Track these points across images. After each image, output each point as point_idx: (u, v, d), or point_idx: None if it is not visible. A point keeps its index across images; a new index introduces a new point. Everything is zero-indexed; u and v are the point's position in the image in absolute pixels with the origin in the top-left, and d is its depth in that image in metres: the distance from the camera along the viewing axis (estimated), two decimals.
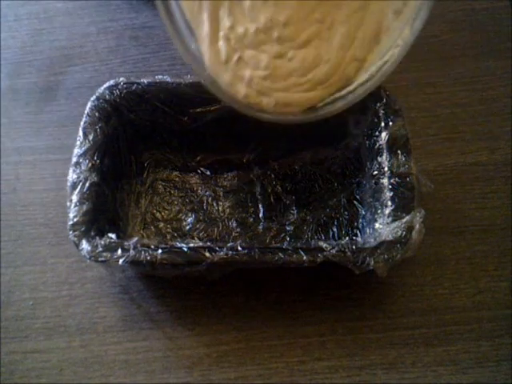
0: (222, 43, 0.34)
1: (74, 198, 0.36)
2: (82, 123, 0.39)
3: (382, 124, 0.38)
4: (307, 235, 0.40)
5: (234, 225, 0.41)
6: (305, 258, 0.33)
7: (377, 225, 0.36)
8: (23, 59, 0.51)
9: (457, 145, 0.45)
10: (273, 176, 0.43)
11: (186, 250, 0.34)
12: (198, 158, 0.44)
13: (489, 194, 0.42)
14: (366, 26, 0.33)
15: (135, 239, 0.34)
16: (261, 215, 0.42)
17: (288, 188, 0.43)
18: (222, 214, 0.42)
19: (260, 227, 0.41)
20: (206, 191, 0.43)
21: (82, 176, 0.37)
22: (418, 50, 0.49)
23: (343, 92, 0.35)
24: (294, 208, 0.42)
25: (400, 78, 0.47)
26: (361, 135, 0.41)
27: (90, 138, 0.38)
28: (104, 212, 0.37)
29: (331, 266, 0.34)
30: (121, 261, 0.34)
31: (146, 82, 0.40)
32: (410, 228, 0.34)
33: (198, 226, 0.41)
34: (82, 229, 0.35)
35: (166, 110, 0.41)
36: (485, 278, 0.39)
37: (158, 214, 0.42)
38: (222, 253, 0.34)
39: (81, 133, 0.38)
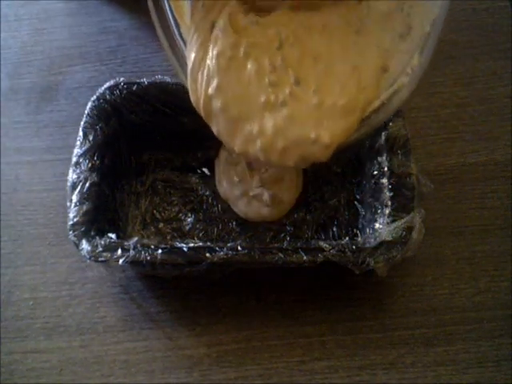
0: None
1: (74, 197, 0.36)
2: (82, 123, 0.39)
3: (382, 124, 0.38)
4: (307, 235, 0.40)
5: (234, 225, 0.41)
6: (305, 258, 0.33)
7: (377, 225, 0.36)
8: (23, 59, 0.51)
9: (457, 145, 0.44)
10: None
11: (185, 249, 0.34)
12: (198, 158, 0.44)
13: (489, 194, 0.42)
14: (367, 71, 0.29)
15: (135, 239, 0.34)
16: None
17: None
18: (221, 214, 0.42)
19: (260, 227, 0.41)
20: (205, 191, 0.43)
21: (82, 176, 0.37)
22: None
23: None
24: (294, 208, 0.42)
25: None
26: None
27: (90, 138, 0.38)
28: (104, 212, 0.37)
29: (331, 266, 0.34)
30: (121, 261, 0.34)
31: (146, 82, 0.40)
32: (409, 228, 0.34)
33: (197, 226, 0.41)
34: (82, 229, 0.35)
35: (167, 110, 0.41)
36: (485, 278, 0.39)
37: (157, 214, 0.42)
38: (221, 253, 0.34)
39: (81, 133, 0.38)
